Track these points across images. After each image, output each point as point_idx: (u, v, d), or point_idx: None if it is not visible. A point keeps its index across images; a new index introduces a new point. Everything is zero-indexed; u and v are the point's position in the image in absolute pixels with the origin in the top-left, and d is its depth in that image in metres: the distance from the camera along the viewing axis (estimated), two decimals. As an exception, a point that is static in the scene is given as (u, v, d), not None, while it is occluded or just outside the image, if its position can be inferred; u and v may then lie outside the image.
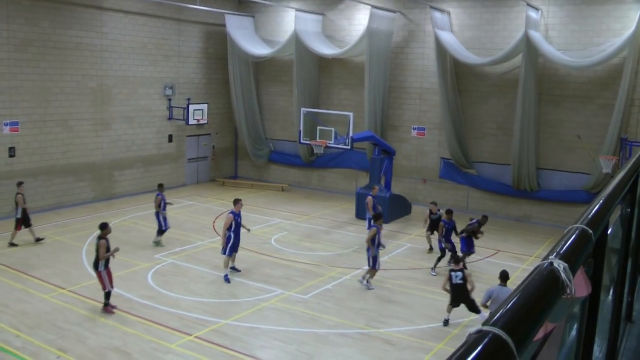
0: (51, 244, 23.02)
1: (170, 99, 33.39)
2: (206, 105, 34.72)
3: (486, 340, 1.66)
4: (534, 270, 2.24)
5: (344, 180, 34.63)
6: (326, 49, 32.38)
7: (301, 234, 25.95)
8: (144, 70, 31.89)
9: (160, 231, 23.47)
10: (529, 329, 1.85)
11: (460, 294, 16.09)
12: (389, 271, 21.17)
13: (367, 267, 19.65)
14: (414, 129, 31.93)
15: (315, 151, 30.60)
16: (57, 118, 28.04)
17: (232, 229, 19.77)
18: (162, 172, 33.44)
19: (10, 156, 26.41)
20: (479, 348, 1.62)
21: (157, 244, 23.43)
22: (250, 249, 22.82)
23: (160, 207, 23.20)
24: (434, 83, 30.37)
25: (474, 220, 21.65)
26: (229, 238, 19.78)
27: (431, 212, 23.48)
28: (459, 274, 16.26)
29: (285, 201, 32.12)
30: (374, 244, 19.02)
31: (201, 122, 34.40)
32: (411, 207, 30.23)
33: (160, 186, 24.06)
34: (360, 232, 26.26)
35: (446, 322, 16.75)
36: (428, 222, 23.50)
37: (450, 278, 16.23)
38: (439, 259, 21.25)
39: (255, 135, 36.76)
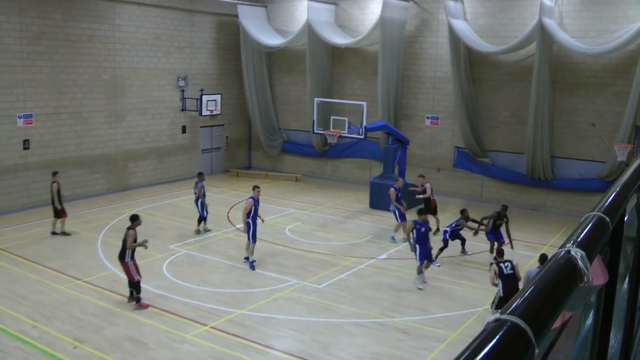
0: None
1: (183, 90, 33.43)
2: (219, 96, 34.74)
3: (504, 329, 1.66)
4: (551, 259, 2.23)
5: (358, 170, 34.60)
6: (339, 39, 32.30)
7: (315, 223, 25.96)
8: (157, 62, 31.92)
9: (202, 218, 23.97)
10: (547, 317, 1.84)
11: (513, 284, 15.60)
12: (402, 260, 21.16)
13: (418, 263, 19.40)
14: (428, 118, 31.84)
15: (328, 141, 30.56)
16: (71, 110, 28.12)
17: (251, 216, 19.90)
18: (175, 163, 33.51)
19: (25, 149, 26.51)
20: (497, 337, 1.62)
21: (201, 232, 23.94)
22: (264, 239, 22.84)
23: (202, 195, 23.70)
24: (448, 72, 30.25)
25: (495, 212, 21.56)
26: (249, 225, 19.92)
27: (416, 187, 25.25)
28: (508, 264, 15.81)
29: (299, 191, 32.13)
30: (415, 239, 18.93)
31: (214, 112, 34.43)
32: (425, 196, 30.15)
33: (200, 174, 24.41)
34: (374, 221, 26.26)
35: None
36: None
37: (500, 270, 15.76)
38: (441, 250, 21.04)
39: (269, 125, 36.76)
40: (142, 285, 17.29)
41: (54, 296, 17.56)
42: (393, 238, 23.77)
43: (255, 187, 20.70)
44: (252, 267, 20.01)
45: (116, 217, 25.87)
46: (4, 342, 14.74)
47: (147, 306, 16.92)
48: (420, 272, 18.96)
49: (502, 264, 15.82)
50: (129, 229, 17.26)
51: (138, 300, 16.99)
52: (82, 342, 14.79)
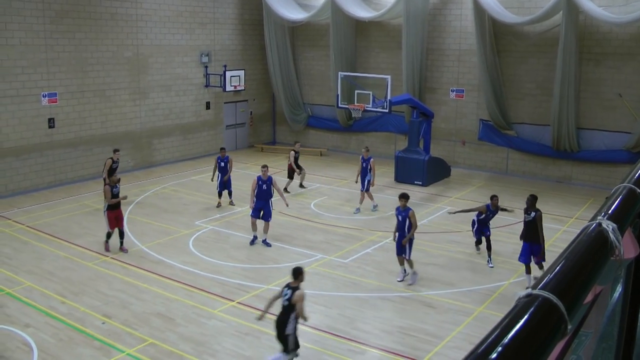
0: (92, 212, 23.25)
1: (206, 67, 33.42)
2: (243, 71, 34.69)
3: (536, 304, 1.63)
4: (581, 232, 2.19)
5: (383, 144, 34.50)
6: (363, 12, 32.07)
7: (341, 198, 25.95)
8: (179, 39, 31.91)
9: (230, 193, 24.73)
10: (579, 292, 1.81)
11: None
12: (428, 234, 21.11)
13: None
14: (453, 91, 31.64)
15: (353, 115, 30.45)
16: (95, 88, 28.22)
17: (256, 193, 20.08)
18: (200, 139, 33.58)
19: (50, 127, 26.66)
20: (529, 312, 1.59)
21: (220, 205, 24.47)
22: (290, 214, 22.88)
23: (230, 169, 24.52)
24: (472, 44, 29.98)
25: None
26: (256, 203, 20.17)
27: (363, 159, 24.34)
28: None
29: (324, 166, 32.11)
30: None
31: (238, 88, 34.40)
32: (450, 169, 30.06)
33: (222, 149, 25.08)
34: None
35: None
36: (359, 170, 24.22)
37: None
38: (488, 249, 18.87)
39: (293, 100, 36.70)
40: (168, 261, 17.65)
41: (82, 272, 17.72)
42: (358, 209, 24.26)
43: (262, 167, 20.80)
44: (268, 245, 20.19)
45: (142, 194, 26.00)
46: (35, 318, 14.92)
47: (109, 251, 19.30)
48: (401, 263, 17.55)
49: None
50: (105, 185, 19.83)
51: (106, 241, 19.54)
52: (110, 318, 14.93)
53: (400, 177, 28.42)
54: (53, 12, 26.26)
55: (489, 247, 18.56)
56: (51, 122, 26.65)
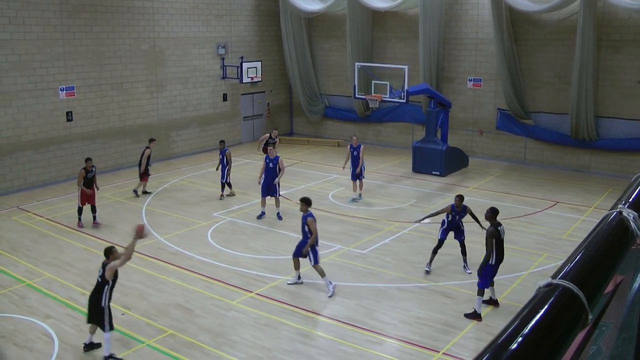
0: (111, 204, 23.37)
1: (223, 58, 33.44)
2: (259, 63, 34.68)
3: (556, 294, 1.61)
4: (602, 221, 2.17)
5: (400, 134, 34.44)
6: (379, 3, 31.96)
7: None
8: (196, 31, 31.94)
9: (227, 184, 24.84)
10: (600, 281, 1.79)
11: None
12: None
13: None
14: (470, 80, 31.51)
15: (370, 106, 30.40)
16: (112, 81, 28.30)
17: (265, 172, 21.55)
18: (217, 131, 33.61)
19: (68, 120, 26.78)
20: (549, 302, 1.58)
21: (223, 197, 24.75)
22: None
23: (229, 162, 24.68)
24: (490, 32, 29.81)
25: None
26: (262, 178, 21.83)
27: (270, 137, 26.54)
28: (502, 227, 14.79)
29: (342, 156, 31.88)
30: None
31: (255, 80, 34.40)
32: (468, 159, 29.96)
33: (223, 142, 25.27)
34: (417, 185, 26.18)
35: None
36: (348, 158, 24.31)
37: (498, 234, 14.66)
38: (463, 254, 17.82)
39: (310, 91, 36.68)
40: (187, 252, 17.90)
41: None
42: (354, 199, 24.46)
43: (269, 146, 23.32)
44: (280, 218, 21.81)
45: (160, 186, 26.10)
46: (55, 309, 15.03)
47: (81, 227, 21.07)
48: (295, 267, 16.79)
49: (500, 227, 14.71)
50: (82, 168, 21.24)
51: (79, 219, 21.26)
52: (130, 309, 15.01)
53: (417, 168, 28.37)
54: (70, 6, 26.33)
55: (463, 252, 17.36)
56: (69, 116, 26.76)
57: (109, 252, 13.16)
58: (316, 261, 16.00)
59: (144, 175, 24.74)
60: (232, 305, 15.25)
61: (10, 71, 24.65)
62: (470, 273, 17.10)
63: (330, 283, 15.97)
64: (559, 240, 19.80)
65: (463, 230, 17.29)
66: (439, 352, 13.08)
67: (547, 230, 20.76)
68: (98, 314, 12.83)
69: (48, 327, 14.10)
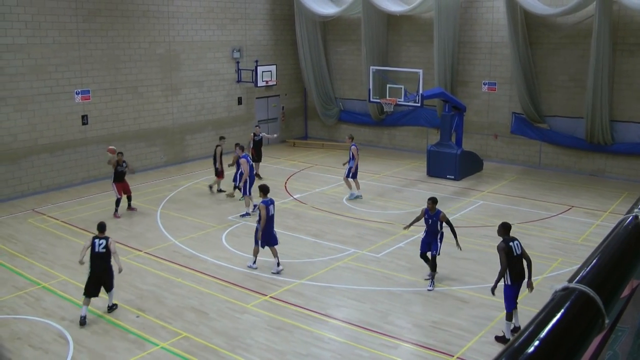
0: (126, 207, 23.42)
1: (238, 62, 33.50)
2: (274, 66, 34.72)
3: (572, 298, 1.61)
4: (617, 225, 2.17)
5: (415, 138, 34.40)
6: (394, 6, 31.96)
7: (373, 192, 25.89)
8: (211, 35, 32.02)
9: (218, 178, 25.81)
10: (617, 285, 1.79)
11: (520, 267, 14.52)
12: (460, 229, 21.00)
13: None
14: (485, 84, 31.44)
15: (385, 109, 30.40)
16: (127, 85, 28.41)
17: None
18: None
19: (84, 124, 26.90)
20: (565, 306, 1.58)
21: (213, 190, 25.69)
22: (322, 209, 22.90)
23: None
24: (504, 36, 29.75)
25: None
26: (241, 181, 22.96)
27: (255, 134, 27.85)
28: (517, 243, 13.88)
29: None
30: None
31: (270, 83, 34.42)
32: (483, 163, 29.90)
33: (223, 138, 26.30)
34: (431, 189, 26.12)
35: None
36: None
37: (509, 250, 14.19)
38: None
39: (325, 95, 36.69)
40: (202, 255, 17.96)
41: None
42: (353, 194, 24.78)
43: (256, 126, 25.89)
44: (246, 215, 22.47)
45: (175, 189, 26.17)
46: (71, 312, 15.10)
47: (118, 217, 22.55)
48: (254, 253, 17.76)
49: (513, 243, 13.82)
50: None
51: (116, 211, 22.73)
52: (144, 312, 15.06)
53: (432, 172, 28.33)
54: (86, 10, 26.46)
55: (432, 267, 16.66)
56: (84, 119, 26.88)
57: (105, 228, 15.42)
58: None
59: (220, 173, 25.51)
60: (247, 308, 15.27)
61: (26, 75, 24.80)
62: (430, 290, 16.38)
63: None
64: (574, 244, 19.72)
65: (437, 245, 16.49)
66: (453, 356, 13.06)
67: (562, 234, 20.69)
68: (109, 277, 15.09)
69: (63, 329, 14.18)
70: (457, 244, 16.42)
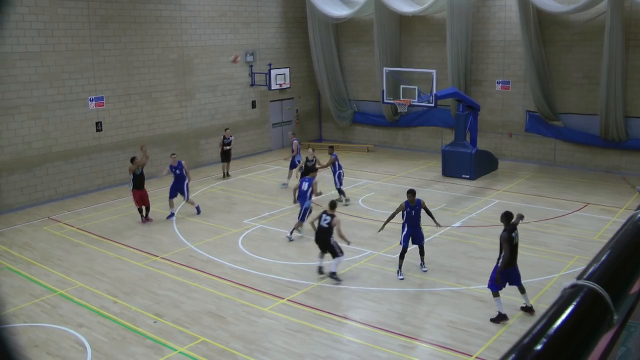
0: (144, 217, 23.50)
1: (251, 66, 33.56)
2: (288, 69, 34.76)
3: (581, 295, 1.61)
4: (627, 221, 2.16)
5: (429, 138, 34.36)
6: (406, 7, 31.94)
7: (388, 193, 25.86)
8: (224, 39, 32.09)
9: (339, 190, 24.68)
10: (625, 282, 1.79)
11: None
12: (477, 228, 20.99)
13: None
14: (499, 82, 31.37)
15: (399, 110, 30.40)
16: (141, 91, 28.51)
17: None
18: (247, 138, 33.74)
19: (98, 130, 27.01)
20: (574, 303, 1.58)
21: (344, 201, 24.53)
22: (338, 211, 22.83)
23: (336, 166, 24.71)
24: (517, 35, 29.67)
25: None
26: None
27: (224, 137, 28.56)
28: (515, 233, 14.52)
29: (371, 162, 32.06)
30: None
31: (283, 86, 34.47)
32: (498, 162, 29.84)
33: (332, 147, 25.57)
34: (447, 189, 26.09)
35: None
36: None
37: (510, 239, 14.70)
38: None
39: (338, 97, 36.71)
40: (218, 259, 18.14)
41: (132, 272, 17.94)
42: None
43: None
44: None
45: (190, 194, 26.17)
46: (87, 318, 15.15)
47: (148, 221, 22.81)
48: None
49: (514, 233, 14.46)
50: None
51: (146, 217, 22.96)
52: (162, 317, 15.10)
53: (447, 172, 28.29)
54: (98, 17, 26.57)
55: (421, 252, 17.50)
56: (99, 126, 26.99)
57: (335, 205, 17.72)
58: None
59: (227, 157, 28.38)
60: (264, 311, 15.29)
61: (39, 83, 24.92)
62: (425, 271, 17.46)
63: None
64: (591, 242, 19.63)
65: (422, 236, 17.46)
66: (472, 356, 13.03)
67: (579, 232, 20.60)
68: (331, 248, 17.04)
69: (81, 336, 14.23)
70: (436, 222, 17.65)
